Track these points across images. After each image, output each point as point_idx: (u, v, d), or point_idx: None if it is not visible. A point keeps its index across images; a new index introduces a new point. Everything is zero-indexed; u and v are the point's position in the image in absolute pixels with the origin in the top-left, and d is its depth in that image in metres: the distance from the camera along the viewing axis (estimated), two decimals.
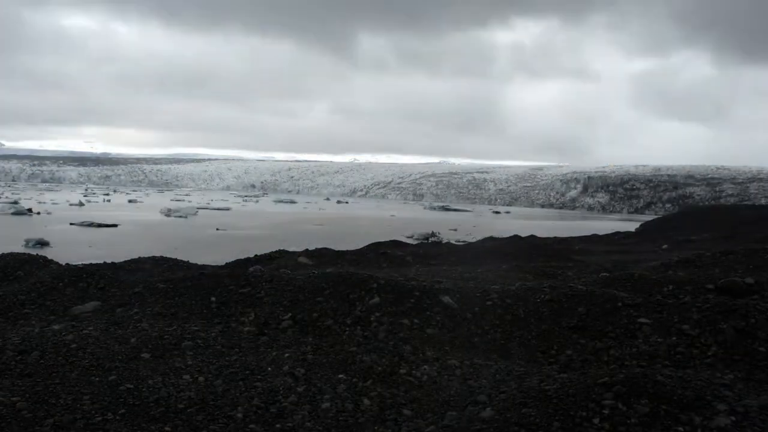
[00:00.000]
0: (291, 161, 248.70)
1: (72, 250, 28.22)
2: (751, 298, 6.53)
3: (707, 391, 3.79)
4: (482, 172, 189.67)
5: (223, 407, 4.07)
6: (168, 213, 63.73)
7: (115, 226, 46.48)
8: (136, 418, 3.86)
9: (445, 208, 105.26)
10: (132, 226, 47.96)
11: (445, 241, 35.35)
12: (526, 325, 6.05)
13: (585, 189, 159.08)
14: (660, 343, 5.36)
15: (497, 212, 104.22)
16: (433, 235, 44.06)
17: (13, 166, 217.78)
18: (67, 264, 9.18)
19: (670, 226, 38.81)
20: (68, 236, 38.38)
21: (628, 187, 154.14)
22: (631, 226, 47.84)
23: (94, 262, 10.17)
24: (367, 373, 4.74)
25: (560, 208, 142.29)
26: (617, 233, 35.07)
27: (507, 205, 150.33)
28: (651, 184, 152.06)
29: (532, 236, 28.39)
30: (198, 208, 72.37)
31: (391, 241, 19.19)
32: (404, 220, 65.58)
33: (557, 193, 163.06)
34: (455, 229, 51.66)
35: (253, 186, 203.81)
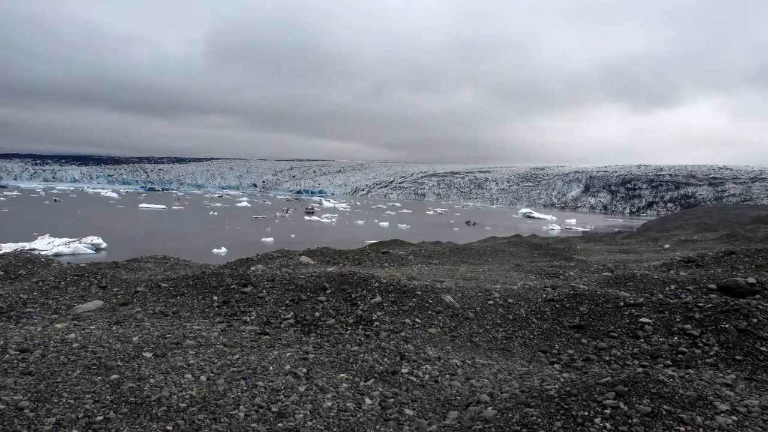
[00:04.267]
0: (293, 160, 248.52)
1: None
2: (753, 297, 6.53)
3: (709, 391, 3.78)
4: (483, 172, 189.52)
5: (225, 406, 4.07)
6: None
7: None
8: (138, 417, 3.86)
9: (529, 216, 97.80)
10: None
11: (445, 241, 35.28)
12: (527, 324, 6.05)
13: (587, 189, 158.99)
14: (662, 342, 5.36)
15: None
16: None
17: (16, 165, 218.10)
18: (69, 263, 9.19)
19: (671, 226, 38.77)
20: None
21: (630, 186, 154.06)
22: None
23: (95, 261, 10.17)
24: (369, 373, 4.74)
25: (562, 207, 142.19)
26: (619, 233, 35.03)
27: (509, 205, 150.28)
28: (653, 184, 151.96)
29: (533, 235, 28.35)
30: None
31: (392, 240, 19.18)
32: None
33: (559, 192, 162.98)
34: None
35: (255, 185, 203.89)
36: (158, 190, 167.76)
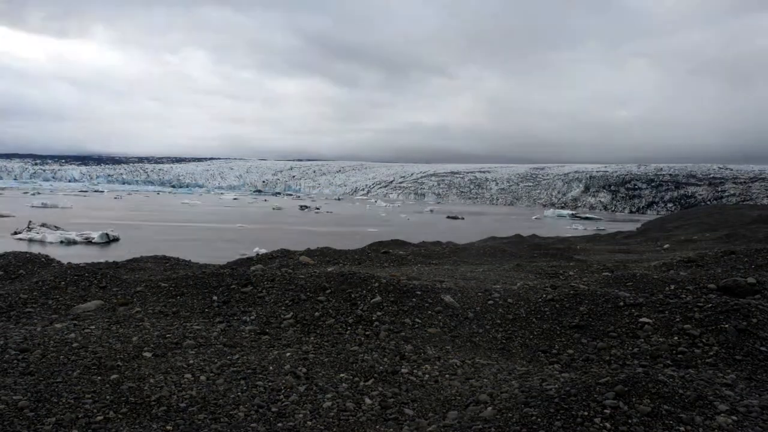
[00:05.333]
0: (293, 161, 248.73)
1: None
2: (753, 297, 6.53)
3: (709, 391, 3.78)
4: (484, 172, 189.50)
5: (225, 406, 4.07)
6: None
7: None
8: (137, 417, 3.86)
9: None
10: None
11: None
12: (527, 324, 6.05)
13: (587, 188, 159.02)
14: (662, 342, 5.36)
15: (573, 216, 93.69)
16: None
17: (16, 165, 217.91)
18: (69, 263, 9.19)
19: (671, 226, 38.73)
20: None
21: (630, 186, 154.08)
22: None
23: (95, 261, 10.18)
24: (369, 373, 4.74)
25: (562, 207, 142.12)
26: (619, 232, 35.03)
27: (509, 205, 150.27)
28: (653, 184, 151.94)
29: (534, 236, 28.37)
30: None
31: (392, 240, 19.17)
32: None
33: (559, 192, 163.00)
34: None
35: (255, 186, 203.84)
36: (263, 193, 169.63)
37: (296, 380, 4.56)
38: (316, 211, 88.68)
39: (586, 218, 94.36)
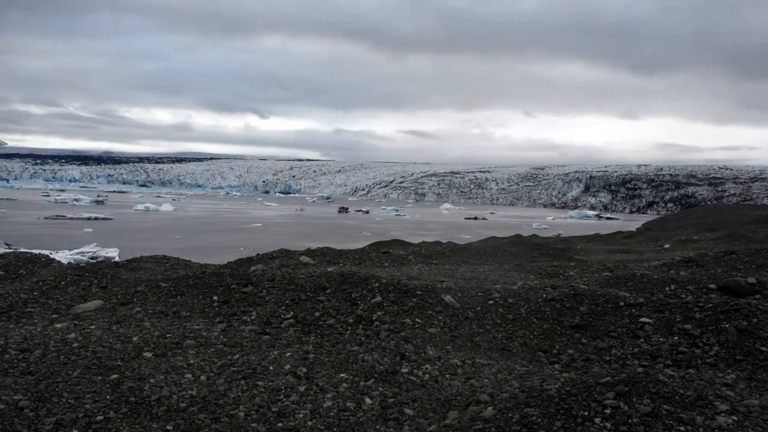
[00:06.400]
0: (293, 160, 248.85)
1: None
2: (754, 297, 6.54)
3: (709, 391, 3.79)
4: (484, 172, 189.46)
5: (225, 406, 4.07)
6: None
7: None
8: (138, 417, 3.86)
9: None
10: None
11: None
12: (527, 324, 6.05)
13: (587, 188, 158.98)
14: (662, 342, 5.36)
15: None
16: None
17: (16, 165, 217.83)
18: (69, 263, 9.20)
19: (672, 226, 38.72)
20: None
21: (630, 186, 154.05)
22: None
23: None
24: (369, 373, 4.74)
25: (562, 207, 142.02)
26: (619, 232, 35.03)
27: (509, 205, 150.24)
28: (653, 184, 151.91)
29: (534, 235, 28.38)
30: None
31: (393, 240, 19.17)
32: None
33: (559, 192, 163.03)
34: None
35: (255, 186, 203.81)
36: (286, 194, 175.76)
37: (296, 380, 4.56)
38: (364, 213, 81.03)
39: (608, 218, 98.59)
